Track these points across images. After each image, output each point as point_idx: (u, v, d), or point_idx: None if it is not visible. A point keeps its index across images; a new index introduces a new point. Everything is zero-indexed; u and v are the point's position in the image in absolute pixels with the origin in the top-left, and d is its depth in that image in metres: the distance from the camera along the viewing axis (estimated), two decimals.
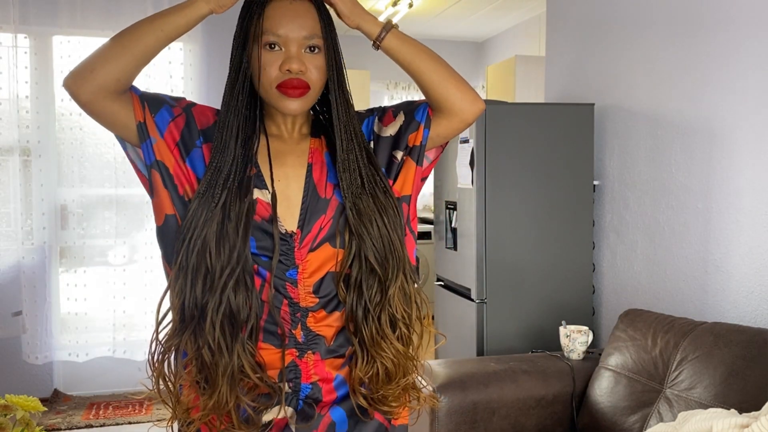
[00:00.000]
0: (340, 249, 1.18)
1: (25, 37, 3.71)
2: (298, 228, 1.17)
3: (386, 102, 6.49)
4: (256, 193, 1.16)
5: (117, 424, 3.55)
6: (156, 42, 1.11)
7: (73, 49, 3.75)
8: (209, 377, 1.12)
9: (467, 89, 1.23)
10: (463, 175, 2.94)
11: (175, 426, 1.19)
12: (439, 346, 3.32)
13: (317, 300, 1.18)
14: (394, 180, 1.25)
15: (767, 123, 2.24)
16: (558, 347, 2.68)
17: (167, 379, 1.15)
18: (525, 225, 2.90)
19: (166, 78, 3.87)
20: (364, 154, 1.20)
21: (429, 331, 1.25)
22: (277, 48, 1.13)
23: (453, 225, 3.11)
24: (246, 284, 1.11)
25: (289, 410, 1.18)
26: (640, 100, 2.84)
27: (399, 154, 1.25)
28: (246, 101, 1.16)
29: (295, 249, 1.16)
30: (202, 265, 1.10)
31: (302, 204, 1.18)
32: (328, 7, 1.19)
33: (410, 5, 4.95)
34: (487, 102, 2.89)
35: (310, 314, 1.17)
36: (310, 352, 1.18)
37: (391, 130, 1.26)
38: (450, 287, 3.22)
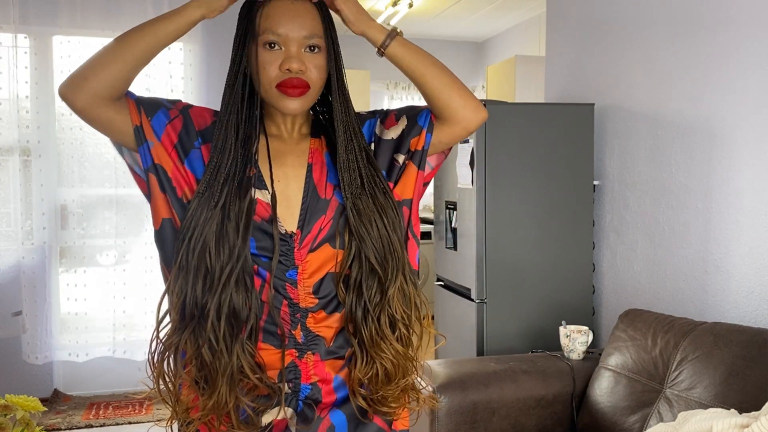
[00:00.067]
0: (339, 250, 1.18)
1: (25, 37, 3.71)
2: (297, 228, 1.17)
3: (386, 102, 6.49)
4: (256, 194, 1.16)
5: (117, 424, 3.55)
6: (148, 48, 1.11)
7: (73, 49, 3.75)
8: (209, 377, 1.12)
9: (470, 97, 1.24)
10: (463, 175, 2.94)
11: (175, 426, 1.19)
12: (439, 346, 3.32)
13: (317, 301, 1.18)
14: (395, 183, 1.25)
15: (767, 123, 2.24)
16: (558, 347, 2.68)
17: (167, 379, 1.15)
18: (525, 225, 2.90)
19: (166, 78, 3.87)
20: (364, 154, 1.20)
21: (429, 332, 1.25)
22: (277, 47, 1.13)
23: (453, 225, 3.11)
24: (246, 284, 1.11)
25: (289, 411, 1.18)
26: (640, 100, 2.84)
27: (400, 158, 1.25)
28: (246, 101, 1.16)
29: (295, 249, 1.16)
30: (201, 264, 1.10)
31: (302, 204, 1.18)
32: (333, 12, 1.19)
33: (410, 5, 4.95)
34: (487, 102, 2.89)
35: (309, 315, 1.17)
36: (309, 352, 1.18)
37: (392, 133, 1.26)
38: (450, 287, 3.22)
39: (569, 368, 2.46)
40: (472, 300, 2.91)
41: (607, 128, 3.05)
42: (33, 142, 3.73)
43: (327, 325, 1.19)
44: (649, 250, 2.79)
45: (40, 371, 3.88)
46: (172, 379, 1.15)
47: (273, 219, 1.15)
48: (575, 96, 3.28)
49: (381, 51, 1.20)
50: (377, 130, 1.27)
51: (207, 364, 1.11)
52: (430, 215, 5.74)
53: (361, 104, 5.07)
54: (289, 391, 1.18)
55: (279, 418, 1.17)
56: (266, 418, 1.16)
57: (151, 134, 1.15)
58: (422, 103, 1.31)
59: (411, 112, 1.27)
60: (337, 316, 1.19)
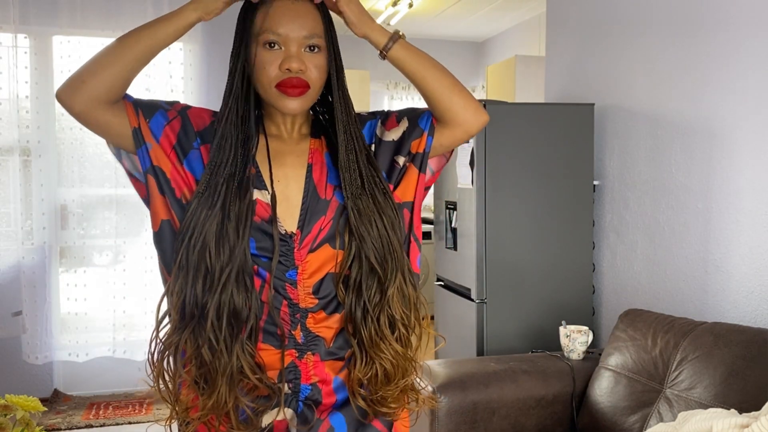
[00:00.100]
0: (339, 250, 1.18)
1: (25, 37, 3.71)
2: (297, 229, 1.17)
3: (386, 102, 6.49)
4: (256, 194, 1.16)
5: (117, 424, 3.55)
6: (146, 50, 1.11)
7: (73, 49, 3.75)
8: (208, 377, 1.12)
9: (471, 101, 1.24)
10: (463, 175, 2.94)
11: (174, 426, 1.19)
12: (439, 348, 3.32)
13: (317, 301, 1.18)
14: (396, 185, 1.25)
15: (767, 123, 2.24)
16: (558, 347, 2.68)
17: (166, 378, 1.15)
18: (525, 225, 2.90)
19: (166, 78, 3.87)
20: (364, 154, 1.20)
21: (428, 333, 1.25)
22: (276, 47, 1.13)
23: (453, 225, 3.11)
24: (245, 285, 1.11)
25: (289, 412, 1.18)
26: (640, 100, 2.84)
27: (401, 160, 1.25)
28: (245, 100, 1.16)
29: (295, 250, 1.16)
30: (201, 264, 1.10)
31: (302, 205, 1.18)
32: (334, 14, 1.19)
33: (410, 5, 4.95)
34: (487, 102, 2.89)
35: (309, 315, 1.17)
36: (309, 353, 1.18)
37: (393, 135, 1.26)
38: (450, 287, 3.22)
39: (569, 368, 2.46)
40: (472, 300, 2.91)
41: (607, 128, 3.05)
42: (33, 142, 3.73)
43: (327, 326, 1.19)
44: (649, 250, 2.79)
45: (40, 371, 3.88)
46: (172, 378, 1.15)
47: (273, 219, 1.15)
48: (575, 96, 3.28)
49: (383, 54, 1.20)
50: (378, 131, 1.27)
51: (207, 364, 1.11)
52: (430, 215, 5.74)
53: (361, 104, 5.07)
54: (289, 391, 1.18)
55: (279, 419, 1.17)
56: (266, 419, 1.16)
57: (149, 136, 1.15)
58: (422, 103, 1.31)
59: (412, 114, 1.27)
60: (337, 316, 1.19)
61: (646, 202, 2.80)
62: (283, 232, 1.16)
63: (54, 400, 3.86)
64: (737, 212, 2.36)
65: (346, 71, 1.23)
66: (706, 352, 2.06)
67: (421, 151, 1.25)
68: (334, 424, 1.19)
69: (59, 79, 3.71)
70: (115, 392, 3.98)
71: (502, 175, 2.86)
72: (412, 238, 1.26)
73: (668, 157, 2.68)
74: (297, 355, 1.17)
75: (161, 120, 1.17)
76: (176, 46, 3.84)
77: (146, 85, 3.80)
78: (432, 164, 1.30)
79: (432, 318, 4.03)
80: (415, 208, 1.26)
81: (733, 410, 1.70)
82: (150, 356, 1.14)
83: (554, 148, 2.92)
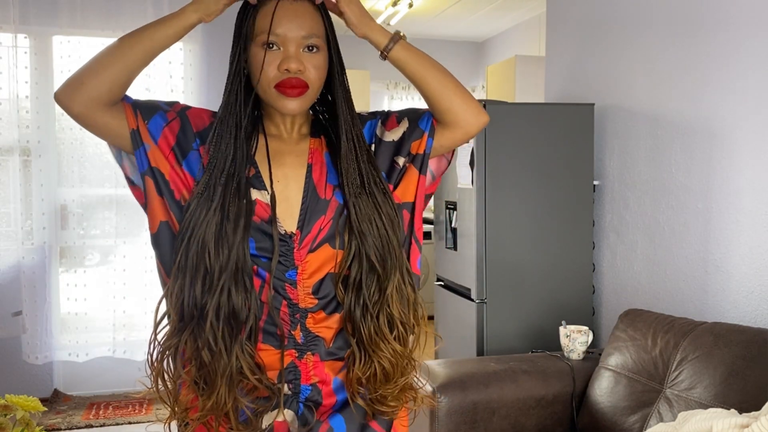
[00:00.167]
0: (339, 250, 1.18)
1: (25, 37, 3.71)
2: (297, 229, 1.17)
3: (386, 102, 6.49)
4: (255, 194, 1.16)
5: (117, 424, 3.55)
6: (145, 52, 1.11)
7: (73, 49, 3.75)
8: (208, 378, 1.12)
9: (472, 102, 1.24)
10: (463, 175, 2.94)
11: (174, 426, 1.19)
12: (439, 347, 3.32)
13: (316, 301, 1.17)
14: (395, 186, 1.25)
15: (767, 123, 2.24)
16: (558, 347, 2.68)
17: (166, 379, 1.15)
18: (525, 225, 2.90)
19: (166, 78, 3.87)
20: (364, 154, 1.20)
21: (426, 332, 1.25)
22: (275, 47, 1.13)
23: (453, 225, 3.11)
24: (245, 285, 1.11)
25: (290, 414, 1.18)
26: (640, 100, 2.84)
27: (401, 160, 1.25)
28: (244, 101, 1.16)
29: (295, 250, 1.16)
30: (201, 265, 1.10)
31: (302, 205, 1.18)
32: (336, 15, 1.19)
33: (410, 5, 4.95)
34: (487, 102, 2.89)
35: (309, 315, 1.17)
36: (309, 353, 1.18)
37: (393, 136, 1.26)
38: (450, 287, 3.21)
39: (569, 368, 2.46)
40: (472, 300, 2.91)
41: (607, 128, 3.05)
42: (33, 142, 3.73)
43: (326, 326, 1.19)
44: (649, 250, 2.79)
45: (40, 371, 3.88)
46: (172, 379, 1.15)
47: (272, 219, 1.15)
48: (575, 96, 3.28)
49: (384, 55, 1.20)
50: (378, 131, 1.27)
51: (206, 365, 1.11)
52: (430, 215, 5.74)
53: (361, 104, 5.07)
54: (290, 392, 1.18)
55: (279, 420, 1.17)
56: (266, 420, 1.16)
57: (147, 137, 1.15)
58: (423, 104, 1.31)
59: (413, 115, 1.27)
60: (336, 316, 1.19)
61: (646, 202, 2.80)
62: (283, 232, 1.16)
63: (54, 400, 3.86)
64: (737, 212, 2.36)
65: (346, 71, 1.23)
66: (706, 352, 2.06)
67: (421, 152, 1.25)
68: (334, 426, 1.19)
69: (59, 79, 3.71)
70: (115, 392, 3.98)
71: (502, 175, 2.86)
72: (412, 240, 1.26)
73: (668, 157, 2.68)
74: (297, 355, 1.17)
75: (160, 121, 1.17)
76: (176, 46, 3.84)
77: (146, 85, 3.79)
78: (432, 166, 1.30)
79: (432, 318, 4.03)
80: (416, 210, 1.26)
81: (733, 410, 1.70)
82: (149, 357, 1.14)
83: (554, 148, 2.92)
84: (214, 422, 1.14)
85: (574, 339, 2.55)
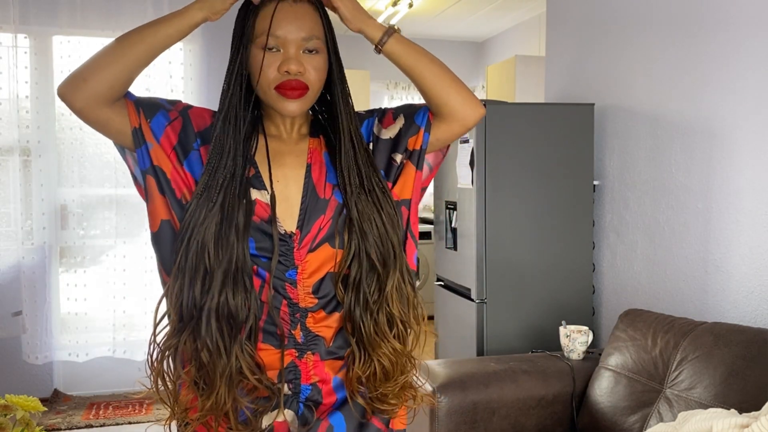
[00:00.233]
0: (339, 249, 1.18)
1: (25, 37, 3.71)
2: (297, 228, 1.17)
3: (386, 102, 6.49)
4: (255, 194, 1.16)
5: (117, 424, 3.55)
6: (148, 50, 1.10)
7: (73, 49, 3.75)
8: (207, 378, 1.12)
9: (468, 94, 1.23)
10: (463, 175, 2.94)
11: (173, 426, 1.19)
12: (436, 344, 3.32)
13: (316, 300, 1.18)
14: (394, 183, 1.25)
15: (767, 123, 2.24)
16: (558, 347, 2.68)
17: (166, 379, 1.15)
18: (525, 225, 2.90)
19: (165, 78, 3.87)
20: (363, 154, 1.20)
21: (425, 331, 1.25)
22: (275, 49, 1.13)
23: (453, 225, 3.11)
24: (245, 285, 1.11)
25: (290, 414, 1.18)
26: (640, 100, 2.84)
27: (398, 157, 1.25)
28: (244, 102, 1.16)
29: (295, 249, 1.16)
30: (200, 265, 1.10)
31: (301, 204, 1.18)
32: (330, 11, 1.19)
33: (410, 5, 4.95)
34: (487, 102, 2.89)
35: (309, 315, 1.17)
36: (309, 352, 1.18)
37: (390, 133, 1.26)
38: (450, 287, 3.21)
39: (569, 368, 2.46)
40: (472, 300, 2.91)
41: (607, 128, 3.05)
42: (33, 142, 3.73)
43: (326, 325, 1.19)
44: (649, 250, 2.79)
45: (40, 371, 3.88)
46: (172, 379, 1.14)
47: (272, 219, 1.15)
48: (575, 96, 3.28)
49: (378, 48, 1.20)
50: (375, 130, 1.27)
51: (205, 365, 1.11)
52: (430, 215, 5.74)
53: (361, 104, 5.07)
54: (290, 392, 1.18)
55: (279, 420, 1.17)
56: (266, 420, 1.16)
57: (150, 136, 1.15)
58: (422, 102, 1.30)
59: (408, 111, 1.27)
60: (336, 315, 1.19)
61: (646, 202, 2.80)
62: (283, 232, 1.16)
63: (54, 400, 3.86)
64: (737, 212, 2.36)
65: (346, 71, 1.23)
66: (706, 352, 2.06)
67: (418, 147, 1.25)
68: (334, 424, 1.19)
69: (59, 79, 3.71)
70: (115, 392, 3.98)
71: (502, 175, 2.86)
72: (409, 235, 1.26)
73: (668, 157, 2.68)
74: (297, 354, 1.17)
75: (162, 120, 1.16)
76: (176, 45, 3.83)
77: (146, 85, 3.80)
78: (429, 159, 1.29)
79: (432, 318, 4.03)
80: (412, 206, 1.26)
81: (733, 410, 1.70)
82: (149, 358, 1.14)
83: (554, 148, 2.92)
84: (213, 422, 1.14)
85: (574, 339, 2.55)
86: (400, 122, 1.26)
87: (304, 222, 1.17)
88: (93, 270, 3.95)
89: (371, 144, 1.26)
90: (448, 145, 1.33)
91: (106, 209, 3.90)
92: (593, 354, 2.59)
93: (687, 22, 2.57)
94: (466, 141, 2.89)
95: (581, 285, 3.00)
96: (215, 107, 1.20)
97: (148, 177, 1.16)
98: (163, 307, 1.14)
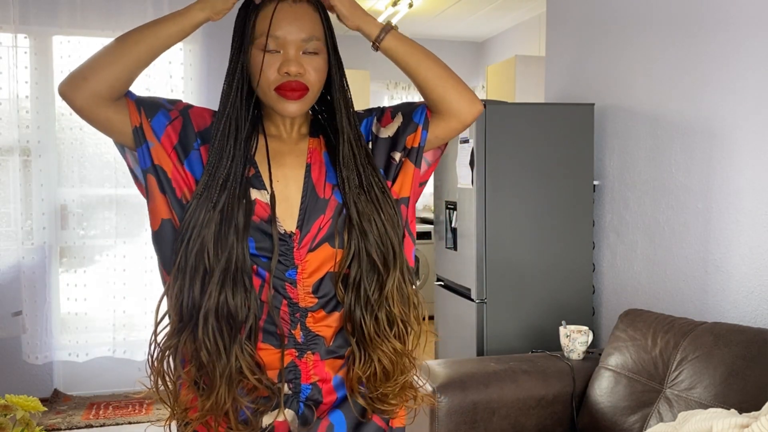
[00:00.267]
0: (339, 249, 1.18)
1: (25, 37, 3.71)
2: (297, 228, 1.17)
3: (386, 102, 6.49)
4: (255, 194, 1.16)
5: (117, 424, 3.55)
6: (149, 50, 1.10)
7: (73, 49, 3.75)
8: (207, 378, 1.12)
9: (465, 90, 1.23)
10: (463, 175, 2.94)
11: (173, 426, 1.19)
12: (436, 343, 3.32)
13: (316, 300, 1.18)
14: (393, 181, 1.25)
15: (767, 123, 2.24)
16: (558, 347, 2.68)
17: (167, 379, 1.15)
18: (525, 225, 2.90)
19: (165, 78, 3.87)
20: (363, 153, 1.20)
21: (426, 332, 1.25)
22: (275, 50, 1.13)
23: (453, 225, 3.11)
24: (244, 285, 1.11)
25: (290, 414, 1.18)
26: (640, 100, 2.84)
27: (397, 156, 1.25)
28: (244, 102, 1.16)
29: (294, 249, 1.16)
30: (200, 266, 1.10)
31: (301, 204, 1.18)
32: (328, 10, 1.19)
33: (410, 5, 4.95)
34: (487, 102, 2.89)
35: (309, 314, 1.17)
36: (309, 352, 1.18)
37: (389, 132, 1.26)
38: (450, 287, 3.21)
39: (569, 368, 2.46)
40: (472, 300, 2.91)
41: (607, 128, 3.05)
42: (33, 142, 3.73)
43: (326, 325, 1.19)
44: (649, 250, 2.79)
45: (40, 371, 3.88)
46: (172, 379, 1.15)
47: (272, 219, 1.15)
48: (575, 96, 3.28)
49: (376, 45, 1.20)
50: (374, 129, 1.27)
51: (205, 365, 1.11)
52: (430, 215, 5.74)
53: (361, 104, 5.06)
54: (290, 392, 1.18)
55: (279, 420, 1.17)
56: (266, 420, 1.16)
57: (151, 135, 1.15)
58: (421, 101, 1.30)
59: (406, 109, 1.27)
60: (336, 315, 1.19)
61: (646, 202, 2.80)
62: (283, 231, 1.16)
63: (54, 400, 3.86)
64: (737, 212, 2.36)
65: (346, 71, 1.23)
66: (706, 352, 2.06)
67: (416, 145, 1.25)
68: (334, 422, 1.19)
69: (59, 79, 3.70)
70: (115, 392, 3.98)
71: (502, 175, 2.86)
72: (406, 232, 1.26)
73: (668, 157, 2.68)
74: (297, 354, 1.17)
75: (163, 120, 1.17)
76: (176, 45, 3.79)
77: (146, 85, 3.80)
78: (427, 156, 1.29)
79: (432, 318, 4.03)
80: (411, 203, 1.26)
81: (733, 410, 1.70)
82: (150, 358, 1.14)
83: (554, 148, 2.92)
84: (213, 422, 1.14)
85: (574, 339, 2.55)
86: (399, 120, 1.26)
87: (303, 222, 1.17)
88: (93, 270, 3.95)
89: (370, 143, 1.26)
90: (446, 142, 1.32)
91: (106, 209, 3.90)
92: (593, 354, 2.59)
93: (687, 22, 2.57)
94: (466, 141, 2.89)
95: (581, 285, 3.00)
96: (215, 107, 1.20)
97: (149, 176, 1.15)
98: (164, 307, 1.14)
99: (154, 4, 3.77)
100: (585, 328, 2.60)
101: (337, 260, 1.18)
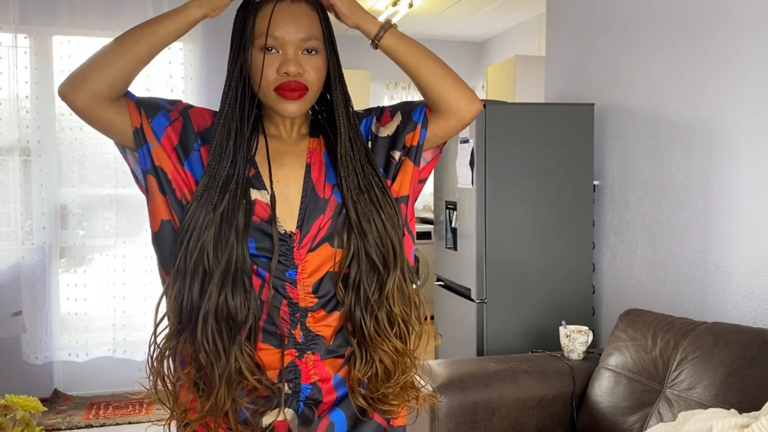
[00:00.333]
0: (338, 249, 1.18)
1: (25, 37, 3.71)
2: (297, 228, 1.17)
3: (386, 102, 6.49)
4: (255, 194, 1.16)
5: (117, 424, 3.55)
6: (148, 48, 1.10)
7: (73, 49, 3.75)
8: (206, 379, 1.12)
9: (465, 89, 1.23)
10: (463, 175, 2.94)
11: (173, 427, 1.19)
12: (438, 344, 3.32)
13: (316, 300, 1.18)
14: (392, 180, 1.25)
15: (767, 123, 2.24)
16: (558, 347, 2.68)
17: (166, 380, 1.14)
18: (525, 225, 2.90)
19: (165, 78, 3.87)
20: (363, 153, 1.20)
21: (427, 331, 1.25)
22: (274, 50, 1.13)
23: (453, 225, 3.11)
24: (244, 286, 1.11)
25: (290, 413, 1.18)
26: (640, 100, 2.84)
27: (396, 155, 1.25)
28: (244, 102, 1.16)
29: (294, 249, 1.16)
30: (200, 267, 1.10)
31: (301, 204, 1.18)
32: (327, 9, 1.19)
33: (410, 5, 4.95)
34: (487, 102, 2.89)
35: (309, 314, 1.17)
36: (309, 352, 1.18)
37: (388, 131, 1.26)
38: (450, 287, 3.21)
39: (569, 368, 2.46)
40: (472, 300, 2.91)
41: (607, 128, 3.05)
42: (33, 142, 3.73)
43: (326, 324, 1.19)
44: (649, 250, 2.79)
45: (40, 371, 3.88)
46: (172, 380, 1.14)
47: (272, 219, 1.15)
48: (575, 96, 3.28)
49: (375, 43, 1.20)
50: (373, 128, 1.27)
51: (204, 366, 1.11)
52: (430, 215, 5.74)
53: (361, 104, 5.06)
54: (290, 391, 1.18)
55: (279, 419, 1.17)
56: (266, 420, 1.16)
57: (151, 136, 1.15)
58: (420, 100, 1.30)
59: (405, 108, 1.27)
60: (336, 314, 1.19)
61: (646, 202, 2.80)
62: (283, 231, 1.16)
63: (54, 400, 3.86)
64: (737, 212, 2.36)
65: (346, 71, 1.22)
66: (706, 352, 2.06)
67: (415, 144, 1.24)
68: (334, 420, 1.19)
69: (59, 79, 3.71)
70: (115, 392, 3.98)
71: (502, 175, 2.86)
72: (405, 231, 1.26)
73: (668, 157, 2.68)
74: (297, 354, 1.17)
75: (163, 120, 1.16)
76: (176, 46, 3.84)
77: (146, 86, 3.80)
78: (426, 155, 1.29)
79: (432, 318, 4.03)
80: (410, 202, 1.26)
81: (733, 410, 1.70)
82: (149, 359, 1.14)
83: (554, 148, 2.92)
84: (212, 423, 1.14)
85: (574, 339, 2.55)
86: (398, 119, 1.26)
87: (303, 222, 1.17)
88: (93, 270, 3.95)
89: (370, 142, 1.26)
90: (445, 141, 1.32)
91: (106, 209, 3.91)
92: (593, 354, 2.59)
93: (687, 22, 2.57)
94: (466, 141, 2.89)
95: (581, 285, 3.00)
96: (215, 107, 1.20)
97: (149, 177, 1.15)
98: (163, 308, 1.14)
99: (154, 3, 3.77)
100: (585, 328, 2.60)
101: (337, 260, 1.18)
